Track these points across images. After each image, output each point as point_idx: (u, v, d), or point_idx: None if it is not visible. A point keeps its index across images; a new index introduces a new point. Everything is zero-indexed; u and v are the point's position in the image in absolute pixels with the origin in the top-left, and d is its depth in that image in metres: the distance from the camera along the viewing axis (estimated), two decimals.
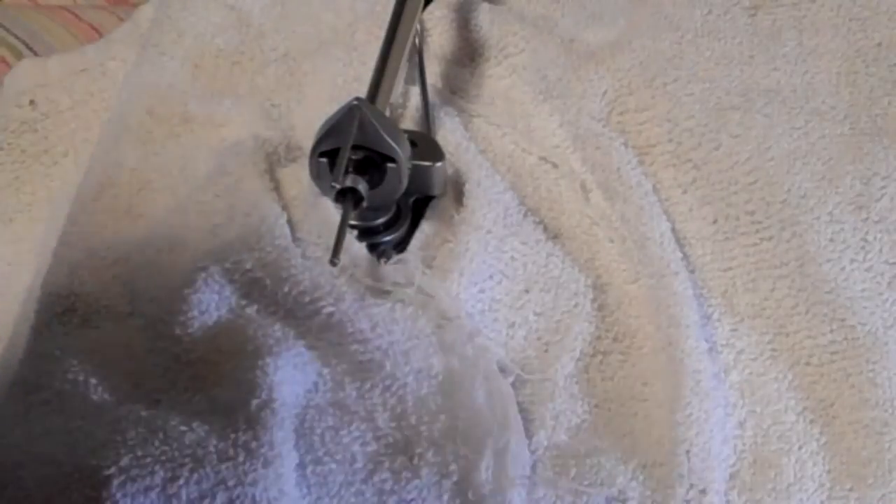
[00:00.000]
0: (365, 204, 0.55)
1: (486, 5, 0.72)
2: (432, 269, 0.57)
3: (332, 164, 0.54)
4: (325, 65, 0.68)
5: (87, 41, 0.75)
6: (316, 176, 0.56)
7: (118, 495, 0.43)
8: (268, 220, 0.56)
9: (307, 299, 0.53)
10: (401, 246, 0.59)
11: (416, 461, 0.51)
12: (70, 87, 0.70)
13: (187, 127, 0.65)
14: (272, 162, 0.61)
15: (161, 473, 0.44)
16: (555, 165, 0.64)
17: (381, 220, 0.58)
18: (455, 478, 0.50)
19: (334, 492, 0.50)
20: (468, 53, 0.70)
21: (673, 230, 0.61)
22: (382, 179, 0.56)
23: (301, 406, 0.52)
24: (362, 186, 0.54)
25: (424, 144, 0.59)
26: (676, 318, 0.57)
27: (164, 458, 0.45)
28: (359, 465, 0.51)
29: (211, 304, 0.53)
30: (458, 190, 0.61)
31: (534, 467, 0.53)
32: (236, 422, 0.48)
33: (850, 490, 0.54)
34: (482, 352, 0.54)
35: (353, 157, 0.55)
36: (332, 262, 0.51)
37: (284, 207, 0.58)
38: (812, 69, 0.69)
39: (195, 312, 0.53)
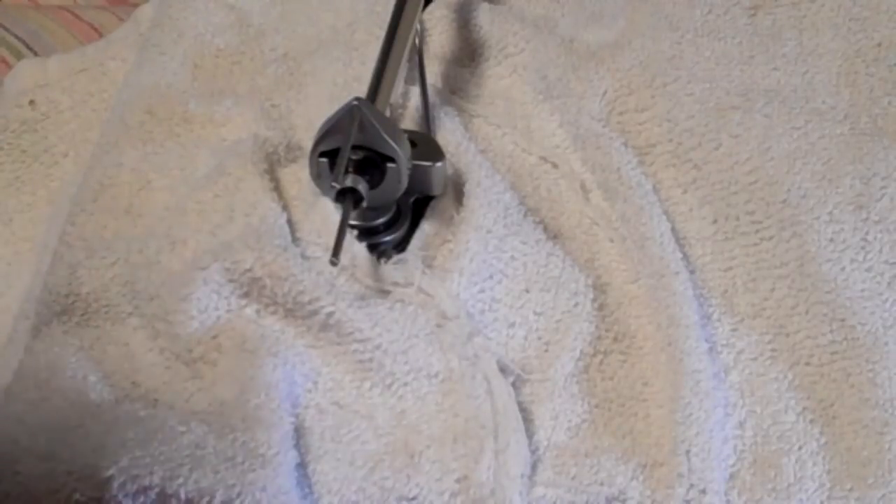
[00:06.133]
0: (365, 204, 0.55)
1: (486, 5, 0.72)
2: (432, 269, 0.57)
3: (332, 164, 0.54)
4: (325, 65, 0.68)
5: (87, 41, 0.75)
6: (316, 176, 0.56)
7: (120, 496, 0.43)
8: (268, 220, 0.56)
9: (307, 299, 0.53)
10: (401, 246, 0.59)
11: (416, 459, 0.51)
12: (70, 87, 0.70)
13: (187, 127, 0.65)
14: (272, 162, 0.61)
15: (160, 473, 0.44)
16: (555, 165, 0.64)
17: (381, 220, 0.58)
18: (456, 475, 0.50)
19: (335, 490, 0.50)
20: (468, 53, 0.70)
21: (673, 230, 0.61)
22: (382, 179, 0.56)
23: (301, 405, 0.52)
24: (362, 186, 0.54)
25: (424, 144, 0.59)
26: (676, 318, 0.57)
27: (162, 458, 0.45)
28: (359, 463, 0.51)
29: (210, 303, 0.53)
30: (458, 190, 0.61)
31: (534, 467, 0.53)
32: (235, 421, 0.48)
33: (850, 490, 0.54)
34: (482, 351, 0.54)
35: (353, 157, 0.55)
36: (332, 262, 0.51)
37: (284, 207, 0.58)
38: (812, 69, 0.69)
39: (195, 312, 0.53)
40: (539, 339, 0.57)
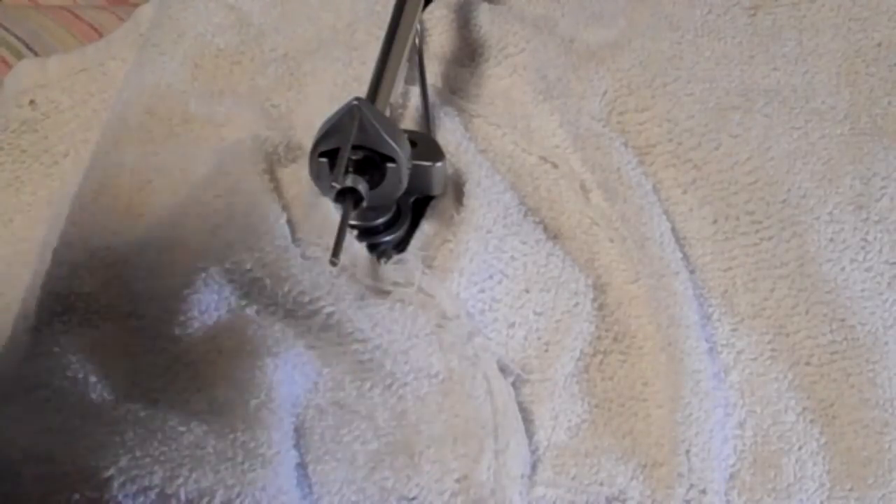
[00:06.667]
0: (365, 204, 0.55)
1: (486, 5, 0.72)
2: (432, 269, 0.57)
3: (332, 164, 0.54)
4: (325, 65, 0.68)
5: (87, 41, 0.75)
6: (316, 176, 0.56)
7: (120, 496, 0.43)
8: (268, 220, 0.56)
9: (307, 299, 0.53)
10: (401, 246, 0.59)
11: (416, 459, 0.51)
12: (70, 87, 0.70)
13: (187, 127, 0.65)
14: (272, 162, 0.61)
15: (160, 473, 0.44)
16: (555, 165, 0.64)
17: (381, 220, 0.58)
18: (456, 475, 0.50)
19: (335, 490, 0.50)
20: (468, 53, 0.70)
21: (673, 230, 0.61)
22: (382, 179, 0.56)
23: (301, 406, 0.52)
24: (362, 186, 0.54)
25: (424, 144, 0.59)
26: (676, 318, 0.57)
27: (162, 458, 0.45)
28: (359, 463, 0.51)
29: (211, 304, 0.53)
30: (458, 190, 0.61)
31: (534, 467, 0.53)
32: (235, 422, 0.48)
33: (850, 490, 0.54)
34: (482, 351, 0.54)
35: (353, 157, 0.55)
36: (332, 262, 0.51)
37: (284, 207, 0.58)
38: (812, 69, 0.69)
39: (195, 312, 0.53)
40: (539, 339, 0.57)
